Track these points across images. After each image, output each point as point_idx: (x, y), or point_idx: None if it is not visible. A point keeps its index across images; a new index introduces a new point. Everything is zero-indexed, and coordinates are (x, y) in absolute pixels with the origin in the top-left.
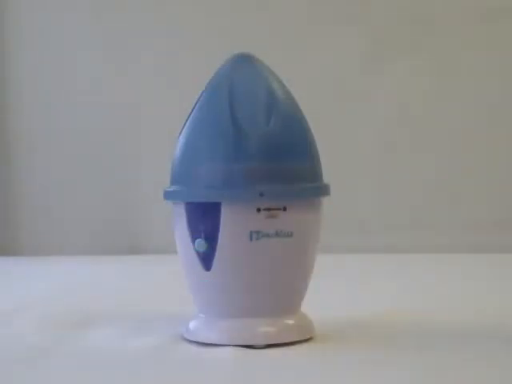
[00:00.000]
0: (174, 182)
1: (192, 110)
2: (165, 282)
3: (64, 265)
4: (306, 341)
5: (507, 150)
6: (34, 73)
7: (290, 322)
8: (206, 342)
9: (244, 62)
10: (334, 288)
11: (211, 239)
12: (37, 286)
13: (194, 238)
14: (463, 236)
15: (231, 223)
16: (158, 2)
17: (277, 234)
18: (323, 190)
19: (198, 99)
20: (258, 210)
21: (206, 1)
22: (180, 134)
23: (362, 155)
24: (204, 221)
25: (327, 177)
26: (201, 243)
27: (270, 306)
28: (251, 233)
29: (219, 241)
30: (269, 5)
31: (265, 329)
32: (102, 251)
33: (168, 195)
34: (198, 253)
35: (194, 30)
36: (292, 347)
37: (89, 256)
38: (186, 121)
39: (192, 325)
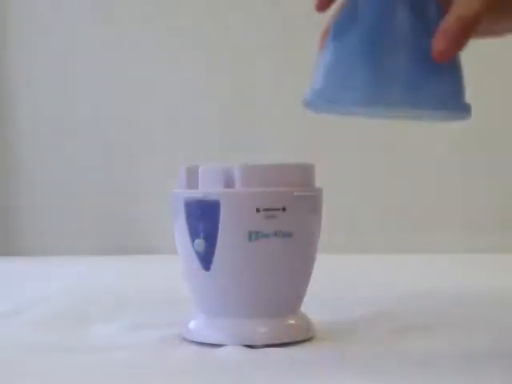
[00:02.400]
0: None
1: None
2: (165, 281)
3: (64, 265)
4: (305, 341)
5: (507, 150)
6: (35, 72)
7: (290, 321)
8: (205, 341)
9: None
10: (334, 288)
11: (210, 239)
12: (37, 285)
13: (193, 238)
14: (463, 236)
15: (230, 223)
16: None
17: (276, 234)
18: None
19: None
20: (258, 210)
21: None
22: None
23: (361, 155)
24: (203, 221)
25: (326, 177)
26: (200, 243)
27: (269, 305)
28: (250, 233)
29: (218, 241)
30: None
31: (264, 329)
32: (102, 251)
33: None
34: (197, 253)
35: (193, 31)
36: (292, 347)
37: (89, 256)
38: None
39: (192, 325)
